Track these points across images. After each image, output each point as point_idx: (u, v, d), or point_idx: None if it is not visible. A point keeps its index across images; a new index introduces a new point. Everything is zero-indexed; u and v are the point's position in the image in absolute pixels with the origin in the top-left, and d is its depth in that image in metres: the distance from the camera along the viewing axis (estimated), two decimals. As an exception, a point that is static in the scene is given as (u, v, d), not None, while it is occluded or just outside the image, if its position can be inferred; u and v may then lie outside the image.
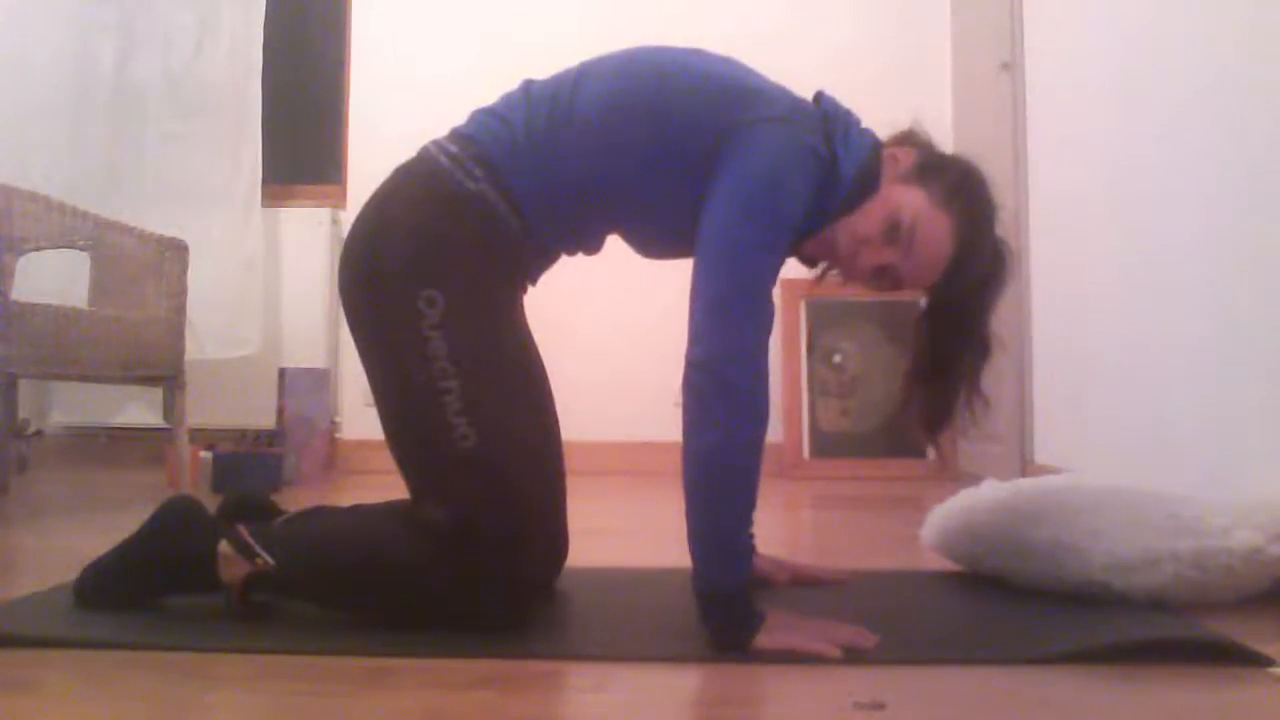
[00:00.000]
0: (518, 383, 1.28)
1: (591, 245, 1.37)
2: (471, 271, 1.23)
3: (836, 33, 3.57)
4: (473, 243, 1.24)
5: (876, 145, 1.29)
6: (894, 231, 1.22)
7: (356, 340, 1.29)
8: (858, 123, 1.30)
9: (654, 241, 1.34)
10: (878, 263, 1.25)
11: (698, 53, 1.30)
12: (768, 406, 1.14)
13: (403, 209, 1.25)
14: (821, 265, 1.38)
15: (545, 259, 1.36)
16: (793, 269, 1.33)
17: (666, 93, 1.24)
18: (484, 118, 1.31)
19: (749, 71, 1.28)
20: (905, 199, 1.23)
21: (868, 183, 1.24)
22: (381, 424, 1.26)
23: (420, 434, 1.22)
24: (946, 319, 1.31)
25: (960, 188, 1.26)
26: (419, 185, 1.27)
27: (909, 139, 1.31)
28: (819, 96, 1.31)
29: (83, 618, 1.23)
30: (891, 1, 3.58)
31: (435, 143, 1.31)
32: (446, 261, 1.22)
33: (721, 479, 1.12)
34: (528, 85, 1.33)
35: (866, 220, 1.24)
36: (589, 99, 1.25)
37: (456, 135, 1.30)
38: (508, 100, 1.32)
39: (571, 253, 1.37)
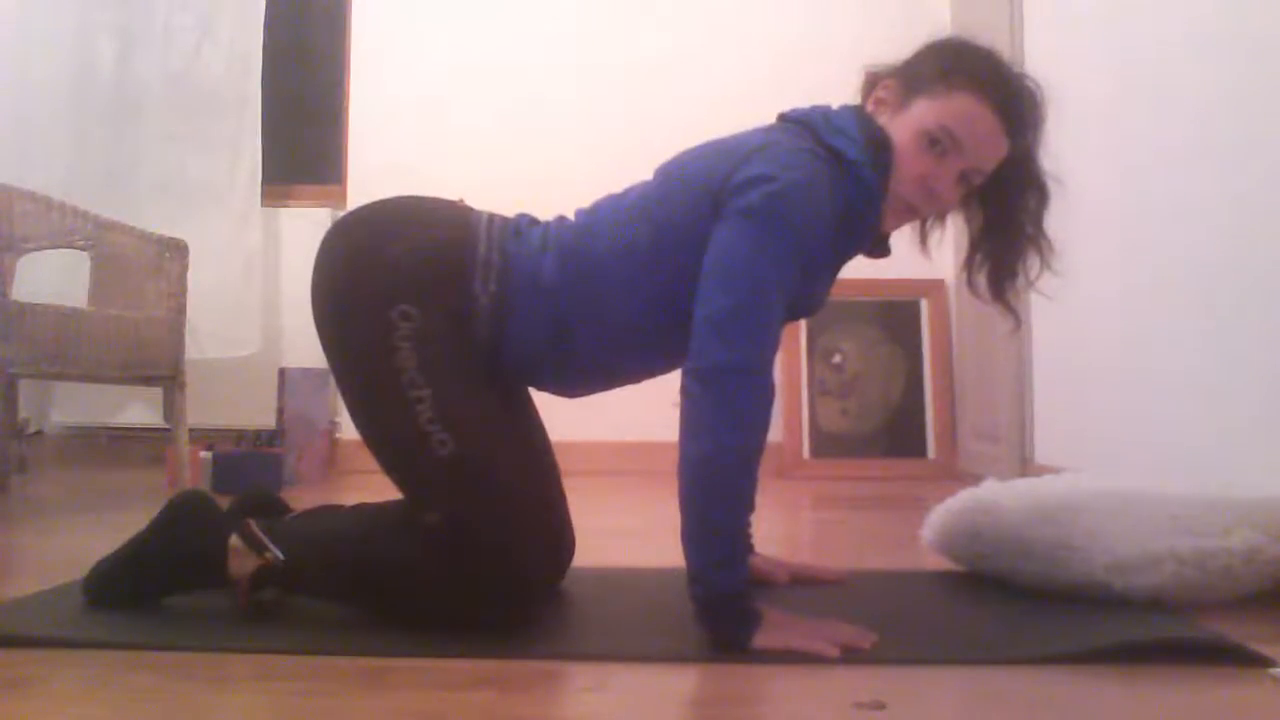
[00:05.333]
0: (491, 392, 1.26)
1: (583, 380, 1.34)
2: (450, 307, 1.22)
3: (835, 34, 3.57)
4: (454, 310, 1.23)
5: (859, 109, 1.29)
6: (936, 145, 1.21)
7: (324, 343, 1.27)
8: (829, 107, 1.29)
9: (656, 351, 1.30)
10: (951, 177, 1.23)
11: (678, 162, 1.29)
12: (767, 419, 1.13)
13: (421, 233, 1.25)
14: (913, 227, 1.36)
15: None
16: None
17: (663, 216, 1.23)
18: (531, 250, 1.26)
19: (719, 139, 1.27)
20: (916, 117, 1.22)
21: (882, 140, 1.23)
22: (360, 436, 1.26)
23: (397, 445, 1.22)
24: (1006, 174, 1.27)
25: (944, 64, 1.24)
26: (444, 233, 1.26)
27: (876, 76, 1.30)
28: (781, 116, 1.30)
29: (84, 617, 1.23)
30: (891, 2, 3.59)
31: (490, 223, 1.28)
32: (433, 292, 1.22)
33: (713, 487, 1.11)
34: (562, 224, 1.31)
35: (909, 161, 1.22)
36: (602, 250, 1.25)
37: (507, 243, 1.26)
38: (544, 238, 1.28)
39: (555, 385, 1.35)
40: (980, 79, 1.22)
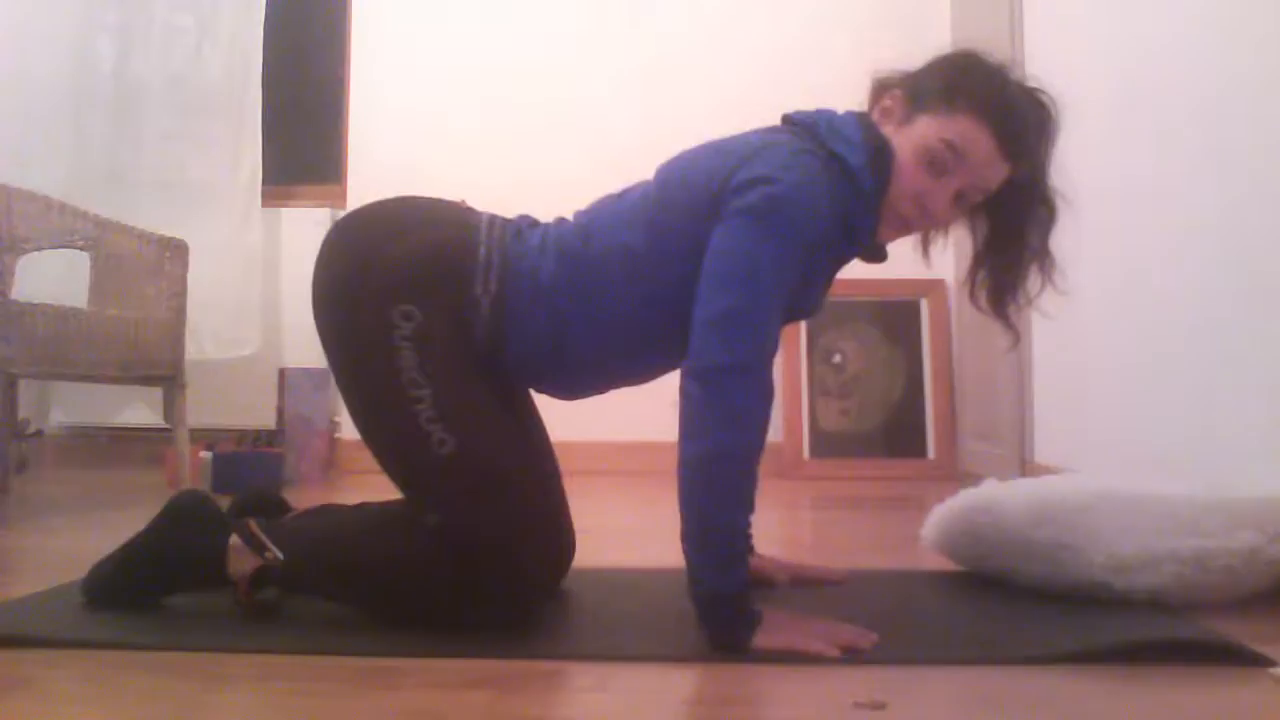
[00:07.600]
0: (491, 391, 1.26)
1: (580, 383, 1.34)
2: (451, 307, 1.22)
3: (836, 35, 3.57)
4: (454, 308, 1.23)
5: (863, 115, 1.28)
6: (935, 163, 1.21)
7: (325, 342, 1.27)
8: (833, 112, 1.28)
9: (653, 351, 1.29)
10: (948, 196, 1.23)
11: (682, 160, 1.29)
12: (766, 419, 1.14)
13: (422, 233, 1.25)
14: (913, 240, 1.35)
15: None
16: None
17: (664, 214, 1.23)
18: (530, 250, 1.26)
19: (720, 140, 1.27)
20: (918, 133, 1.22)
21: (883, 150, 1.23)
22: (360, 436, 1.26)
23: (398, 445, 1.22)
24: (1014, 190, 1.26)
25: (949, 83, 1.23)
26: (444, 233, 1.26)
27: (884, 85, 1.30)
28: (786, 118, 1.30)
29: (84, 618, 1.23)
30: (891, 3, 3.59)
31: (491, 224, 1.29)
32: (434, 292, 1.22)
33: (713, 488, 1.11)
34: (561, 225, 1.31)
35: (907, 176, 1.22)
36: (602, 251, 1.24)
37: (507, 243, 1.26)
38: (543, 239, 1.28)
39: (548, 387, 1.35)
40: (983, 101, 1.21)
